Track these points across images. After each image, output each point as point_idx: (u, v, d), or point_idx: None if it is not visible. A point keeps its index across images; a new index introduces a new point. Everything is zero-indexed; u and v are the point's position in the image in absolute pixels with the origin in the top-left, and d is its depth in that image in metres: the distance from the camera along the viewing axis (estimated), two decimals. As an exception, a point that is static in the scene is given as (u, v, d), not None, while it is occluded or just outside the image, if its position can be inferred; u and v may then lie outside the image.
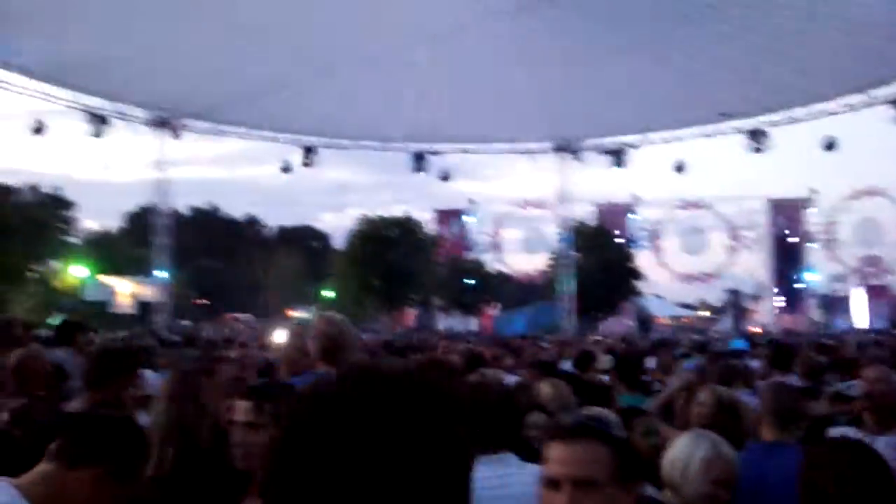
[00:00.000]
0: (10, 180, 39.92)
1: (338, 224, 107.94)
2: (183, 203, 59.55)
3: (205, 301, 54.39)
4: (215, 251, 58.97)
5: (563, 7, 20.87)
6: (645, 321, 46.51)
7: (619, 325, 43.39)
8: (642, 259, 43.72)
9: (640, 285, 44.93)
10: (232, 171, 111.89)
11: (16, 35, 20.42)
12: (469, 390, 3.11)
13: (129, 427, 2.29)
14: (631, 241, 42.87)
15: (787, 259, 41.73)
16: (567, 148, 31.84)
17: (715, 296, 58.04)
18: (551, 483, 1.83)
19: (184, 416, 3.19)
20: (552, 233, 39.40)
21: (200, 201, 67.82)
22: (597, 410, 3.68)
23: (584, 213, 42.57)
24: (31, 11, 19.77)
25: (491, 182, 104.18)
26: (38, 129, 25.79)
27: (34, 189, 40.76)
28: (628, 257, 42.92)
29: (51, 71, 24.33)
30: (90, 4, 20.08)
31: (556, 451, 1.88)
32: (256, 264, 59.57)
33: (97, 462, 2.08)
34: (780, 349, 8.01)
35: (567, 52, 23.56)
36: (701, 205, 42.05)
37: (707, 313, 61.41)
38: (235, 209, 73.45)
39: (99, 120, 26.62)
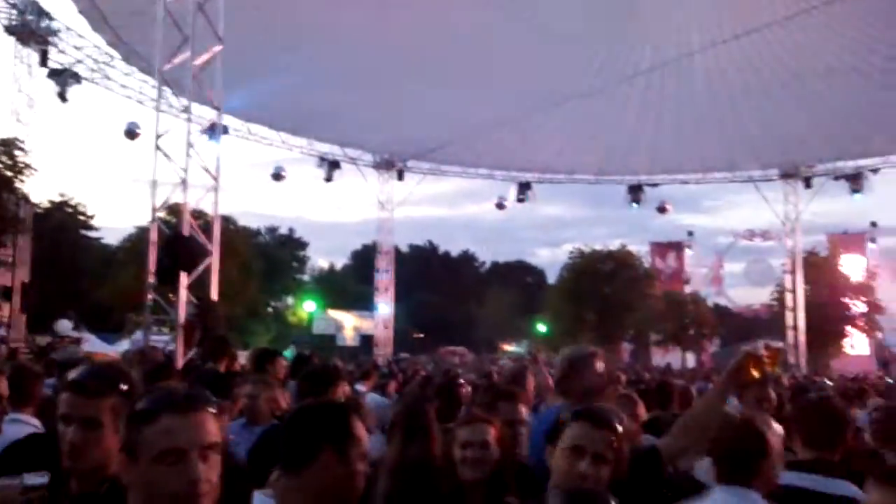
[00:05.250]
0: (252, 223, 43.50)
1: (553, 259, 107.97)
2: (404, 241, 62.33)
3: (422, 335, 56.12)
4: (433, 287, 60.82)
5: (790, 28, 19.85)
6: (886, 359, 42.53)
7: (854, 362, 39.96)
8: (882, 291, 40.13)
9: (879, 320, 41.21)
10: (451, 210, 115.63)
11: (260, 90, 22.29)
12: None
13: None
14: (868, 273, 39.56)
15: None
16: (795, 174, 30.02)
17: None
18: None
19: (409, 442, 3.29)
20: (778, 265, 37.21)
21: (420, 239, 70.56)
22: None
23: (815, 243, 39.90)
24: (274, 68, 21.54)
25: (711, 213, 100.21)
26: (278, 176, 28.00)
27: (272, 231, 44.35)
28: (865, 290, 39.57)
29: (288, 121, 26.44)
30: (324, 59, 21.57)
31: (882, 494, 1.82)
32: (471, 299, 60.83)
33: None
34: None
35: (791, 75, 22.35)
36: (953, 231, 38.15)
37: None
38: (453, 246, 75.59)
39: (330, 165, 28.55)
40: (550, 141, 26.53)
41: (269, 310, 43.56)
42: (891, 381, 17.43)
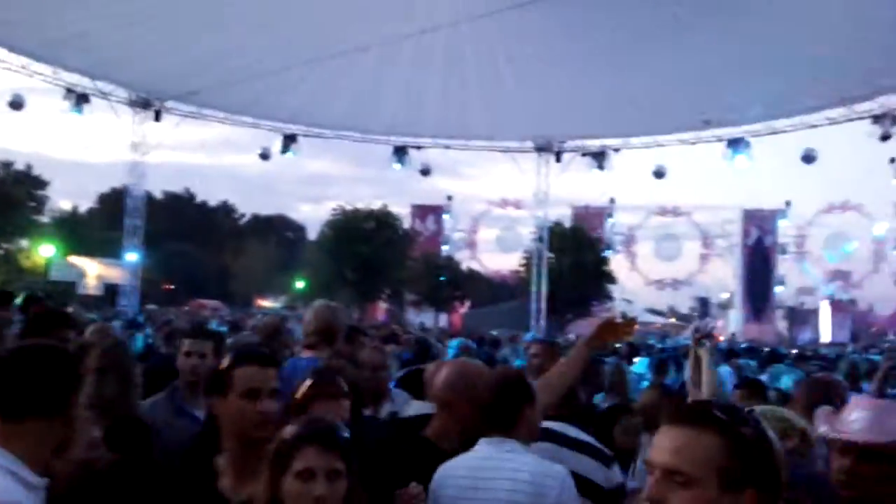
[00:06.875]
0: (-18, 155, 39.28)
1: (315, 215, 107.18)
2: (160, 187, 59.12)
3: (172, 286, 53.89)
4: (187, 237, 58.39)
5: (550, 8, 20.86)
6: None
7: (588, 327, 43.47)
8: (616, 263, 44.03)
9: (611, 289, 45.21)
10: (213, 158, 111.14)
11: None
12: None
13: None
14: (605, 245, 43.13)
15: (757, 270, 42.14)
16: (548, 148, 31.85)
17: (684, 303, 58.74)
18: (648, 466, 1.63)
19: (106, 388, 3.24)
20: (527, 233, 39.53)
21: (178, 186, 67.27)
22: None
23: (561, 214, 42.81)
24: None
25: (470, 180, 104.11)
26: (16, 105, 25.31)
27: (6, 166, 40.24)
28: (602, 261, 43.14)
29: (32, 45, 23.87)
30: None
31: (660, 434, 1.64)
32: (228, 251, 59.12)
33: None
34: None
35: (552, 53, 23.58)
36: (677, 212, 42.44)
37: (673, 320, 61.97)
38: (212, 196, 72.83)
39: (79, 97, 26.16)
40: (318, 94, 26.13)
41: (1, 252, 39.79)
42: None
